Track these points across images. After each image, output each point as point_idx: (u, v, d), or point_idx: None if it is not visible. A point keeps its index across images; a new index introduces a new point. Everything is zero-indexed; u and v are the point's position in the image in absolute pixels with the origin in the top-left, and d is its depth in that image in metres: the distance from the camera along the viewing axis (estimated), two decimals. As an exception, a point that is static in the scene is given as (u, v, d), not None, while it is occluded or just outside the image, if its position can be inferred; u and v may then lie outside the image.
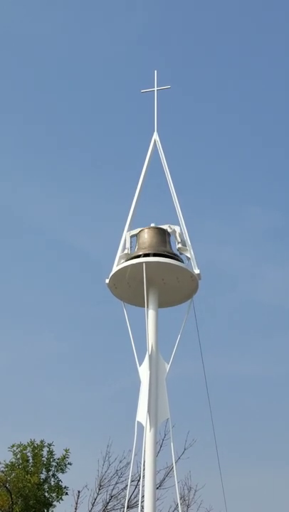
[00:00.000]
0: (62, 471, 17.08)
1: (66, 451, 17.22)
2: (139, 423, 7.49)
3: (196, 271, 8.06)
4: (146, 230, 8.22)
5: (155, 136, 9.06)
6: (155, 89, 9.31)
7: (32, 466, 16.83)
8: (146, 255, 7.94)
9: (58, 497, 16.83)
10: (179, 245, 8.21)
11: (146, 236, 8.16)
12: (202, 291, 8.18)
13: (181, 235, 8.24)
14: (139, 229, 8.31)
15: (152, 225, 8.29)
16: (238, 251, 33.80)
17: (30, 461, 16.99)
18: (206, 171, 34.34)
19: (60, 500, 16.91)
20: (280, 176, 35.85)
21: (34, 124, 35.13)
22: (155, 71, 9.44)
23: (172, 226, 8.26)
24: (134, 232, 8.32)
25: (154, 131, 9.10)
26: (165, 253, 8.00)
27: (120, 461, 17.99)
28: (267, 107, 36.20)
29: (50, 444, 17.22)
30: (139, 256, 7.99)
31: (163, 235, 8.21)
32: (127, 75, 32.91)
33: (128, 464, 17.57)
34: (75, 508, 17.41)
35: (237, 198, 34.70)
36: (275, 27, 34.82)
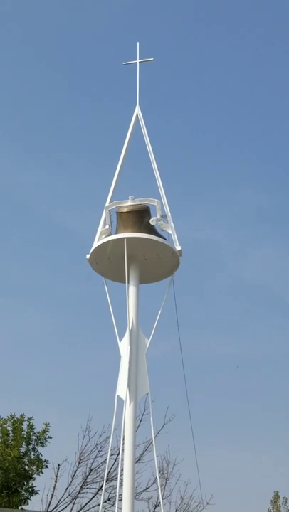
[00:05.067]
0: (42, 444, 17.20)
1: (46, 425, 17.34)
2: (119, 397, 7.49)
3: (178, 247, 8.03)
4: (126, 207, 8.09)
5: (137, 110, 8.94)
6: (137, 61, 9.14)
7: (12, 440, 16.91)
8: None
9: (37, 470, 16.97)
10: (160, 222, 8.13)
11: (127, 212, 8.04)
12: (189, 271, 8.15)
13: (161, 209, 8.15)
14: (117, 202, 8.16)
15: (130, 197, 8.14)
16: (225, 231, 33.88)
17: (11, 434, 17.07)
18: (190, 149, 34.22)
19: (40, 473, 17.07)
20: (269, 155, 35.83)
21: (14, 97, 34.68)
22: (137, 43, 9.29)
23: (151, 199, 8.10)
24: (112, 206, 8.20)
25: (136, 104, 8.98)
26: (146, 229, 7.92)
27: (100, 436, 18.17)
28: (256, 82, 36.01)
29: (30, 418, 17.31)
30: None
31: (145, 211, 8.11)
32: (108, 46, 32.50)
33: (108, 438, 17.73)
34: (55, 481, 17.56)
35: (225, 179, 34.68)
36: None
